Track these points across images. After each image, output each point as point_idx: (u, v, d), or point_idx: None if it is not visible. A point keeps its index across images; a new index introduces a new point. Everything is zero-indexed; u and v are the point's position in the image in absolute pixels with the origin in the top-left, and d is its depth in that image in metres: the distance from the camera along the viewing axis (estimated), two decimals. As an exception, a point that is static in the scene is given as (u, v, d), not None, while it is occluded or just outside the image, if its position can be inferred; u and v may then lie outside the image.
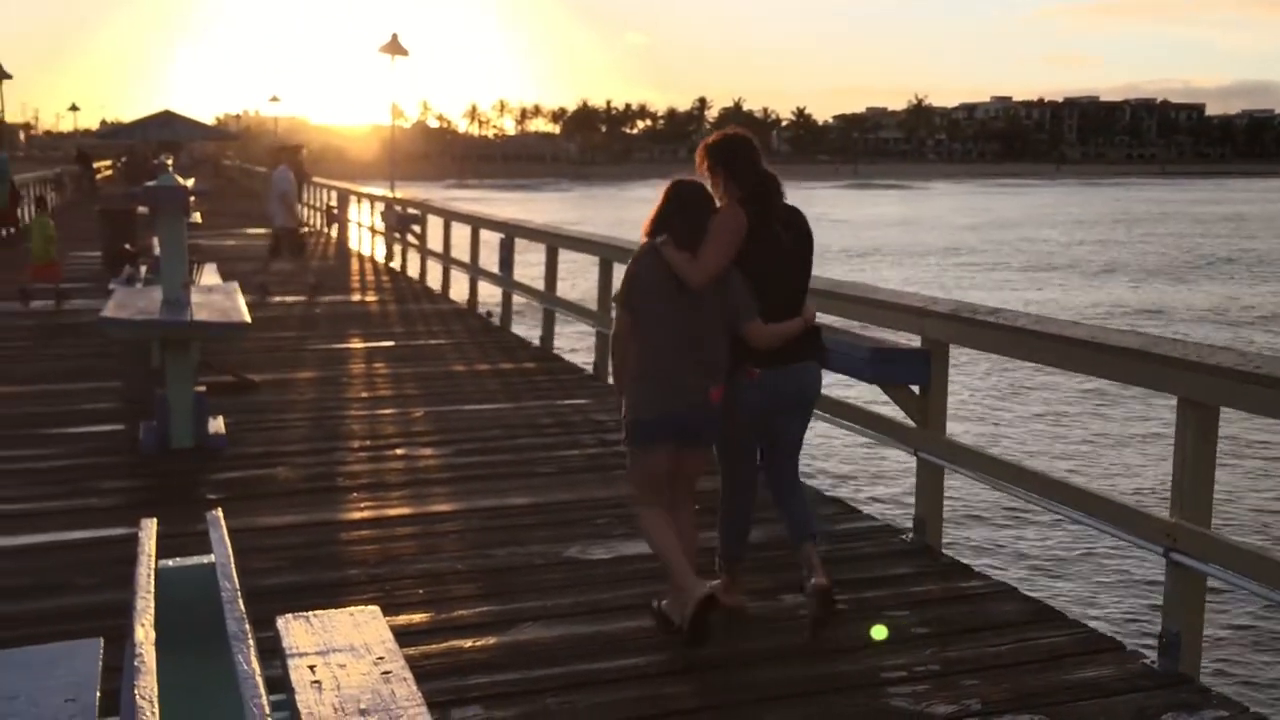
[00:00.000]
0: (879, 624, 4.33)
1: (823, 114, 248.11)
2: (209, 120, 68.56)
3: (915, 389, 5.41)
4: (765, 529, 5.56)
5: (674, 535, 4.16)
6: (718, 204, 4.30)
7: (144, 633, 2.17)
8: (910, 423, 5.47)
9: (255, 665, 2.11)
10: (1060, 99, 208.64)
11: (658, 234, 4.24)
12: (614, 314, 4.45)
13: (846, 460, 11.16)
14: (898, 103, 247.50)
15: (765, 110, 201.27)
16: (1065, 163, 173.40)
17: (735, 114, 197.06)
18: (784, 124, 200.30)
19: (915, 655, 4.12)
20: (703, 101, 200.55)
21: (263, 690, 2.01)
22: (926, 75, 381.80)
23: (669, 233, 4.19)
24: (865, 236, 44.62)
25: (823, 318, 6.38)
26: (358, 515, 5.75)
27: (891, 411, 5.72)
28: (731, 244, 4.16)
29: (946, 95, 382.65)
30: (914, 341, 5.59)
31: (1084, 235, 46.09)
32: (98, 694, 2.53)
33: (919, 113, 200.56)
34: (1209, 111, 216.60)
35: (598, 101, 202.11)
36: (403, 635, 2.87)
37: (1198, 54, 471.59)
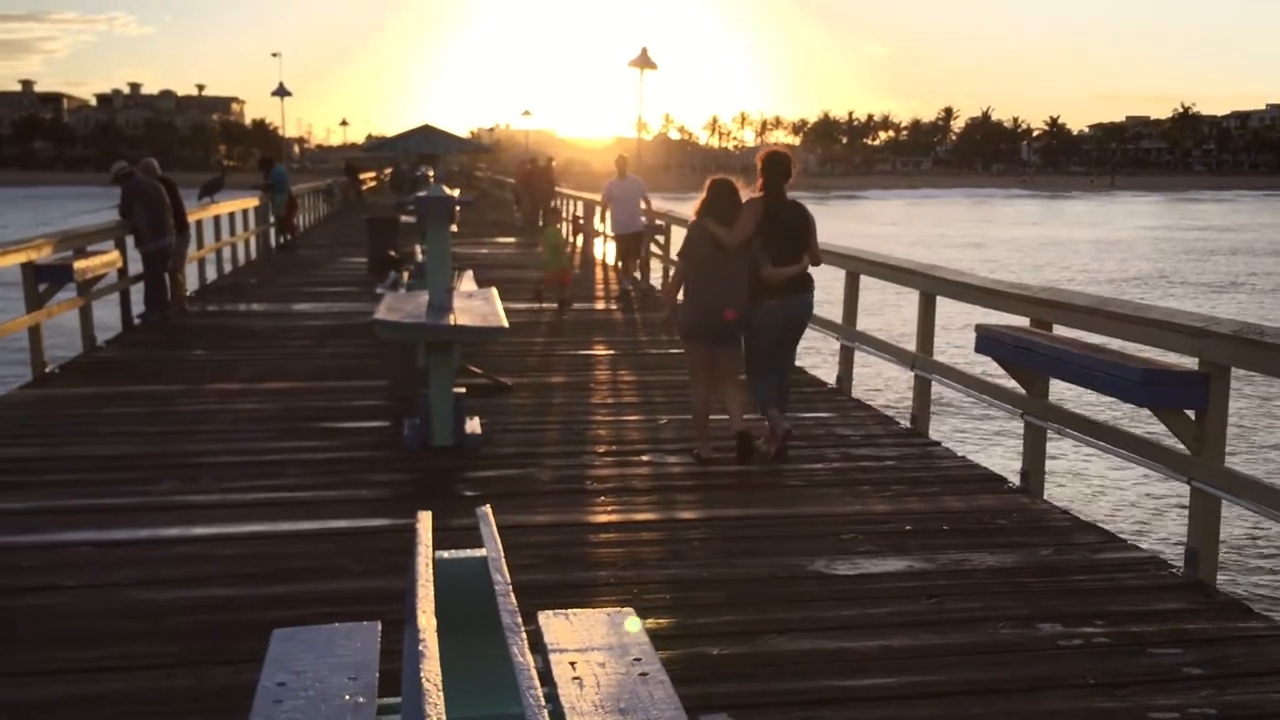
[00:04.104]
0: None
1: (1077, 123, 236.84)
2: (463, 133, 71.75)
3: (1190, 414, 5.08)
4: (1015, 553, 5.37)
5: (705, 406, 6.98)
6: (743, 195, 6.82)
7: (426, 619, 2.27)
8: (1183, 449, 5.14)
9: (529, 657, 2.18)
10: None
11: (705, 214, 6.75)
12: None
13: (1106, 485, 10.59)
14: (1161, 111, 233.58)
15: (1015, 120, 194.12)
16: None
17: (983, 123, 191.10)
18: (1035, 134, 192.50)
19: (1189, 696, 3.86)
20: (948, 111, 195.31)
21: (537, 681, 2.07)
22: (1194, 81, 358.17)
23: (712, 214, 6.72)
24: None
25: (1088, 336, 6.14)
26: (605, 518, 5.88)
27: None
28: (752, 221, 6.71)
29: (1216, 103, 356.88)
30: (1187, 363, 5.26)
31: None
32: (377, 674, 2.65)
33: (1184, 121, 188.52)
34: None
35: (839, 112, 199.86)
36: (650, 638, 2.91)
37: None
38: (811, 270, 7.05)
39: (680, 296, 7.06)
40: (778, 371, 7.06)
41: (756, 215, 6.74)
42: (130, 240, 12.52)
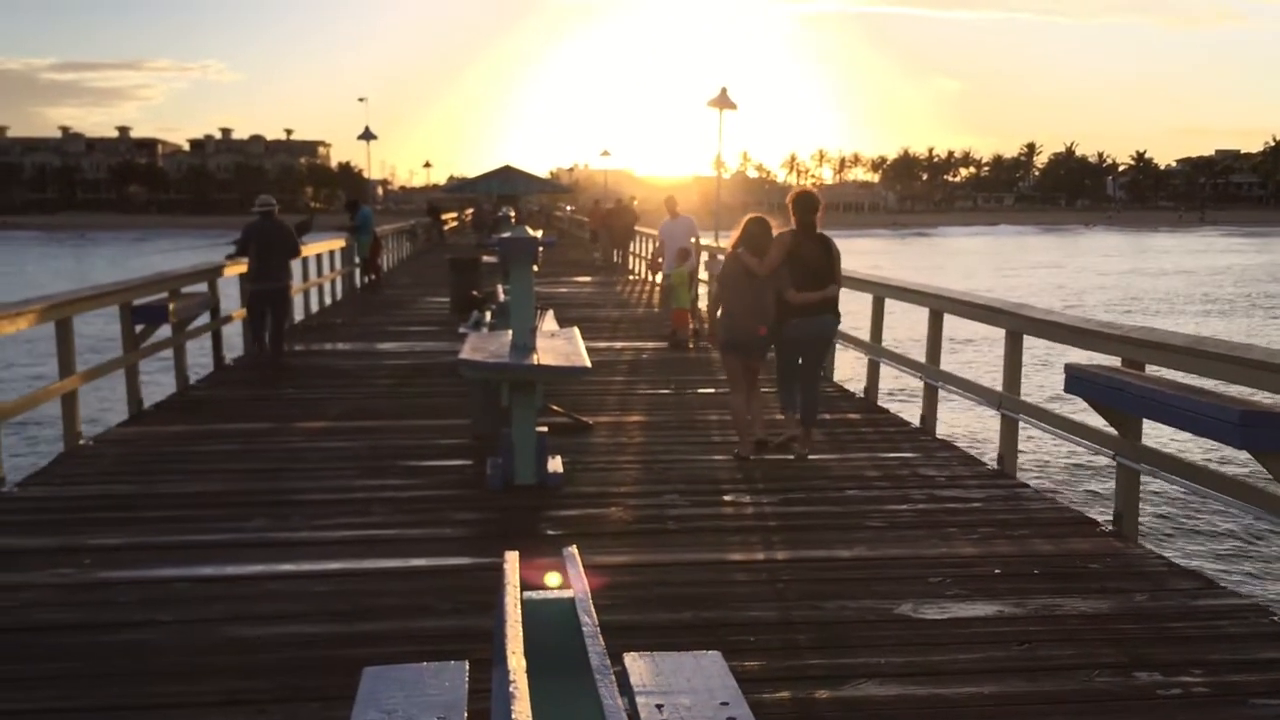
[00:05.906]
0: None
1: (1165, 158, 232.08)
2: (543, 174, 72.55)
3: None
4: (1109, 599, 5.24)
5: (744, 409, 8.09)
6: (775, 230, 7.89)
7: (516, 661, 2.28)
8: (1285, 493, 4.98)
9: (619, 699, 2.17)
10: None
11: (740, 246, 7.84)
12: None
13: (1202, 529, 10.30)
14: (1252, 144, 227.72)
15: (1100, 154, 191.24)
16: None
17: (1067, 159, 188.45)
18: (1121, 169, 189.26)
19: (1296, 752, 3.73)
20: (1031, 147, 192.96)
21: (628, 724, 2.07)
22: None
23: (747, 246, 7.80)
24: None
25: (1183, 376, 6.00)
26: (687, 559, 5.86)
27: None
28: (780, 253, 7.73)
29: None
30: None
31: None
32: (465, 714, 2.66)
33: (1276, 154, 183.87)
34: None
35: (919, 148, 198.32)
36: (736, 680, 2.88)
37: None
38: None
39: (719, 315, 8.12)
40: (801, 383, 8.12)
41: (784, 247, 7.75)
42: (221, 281, 12.83)
